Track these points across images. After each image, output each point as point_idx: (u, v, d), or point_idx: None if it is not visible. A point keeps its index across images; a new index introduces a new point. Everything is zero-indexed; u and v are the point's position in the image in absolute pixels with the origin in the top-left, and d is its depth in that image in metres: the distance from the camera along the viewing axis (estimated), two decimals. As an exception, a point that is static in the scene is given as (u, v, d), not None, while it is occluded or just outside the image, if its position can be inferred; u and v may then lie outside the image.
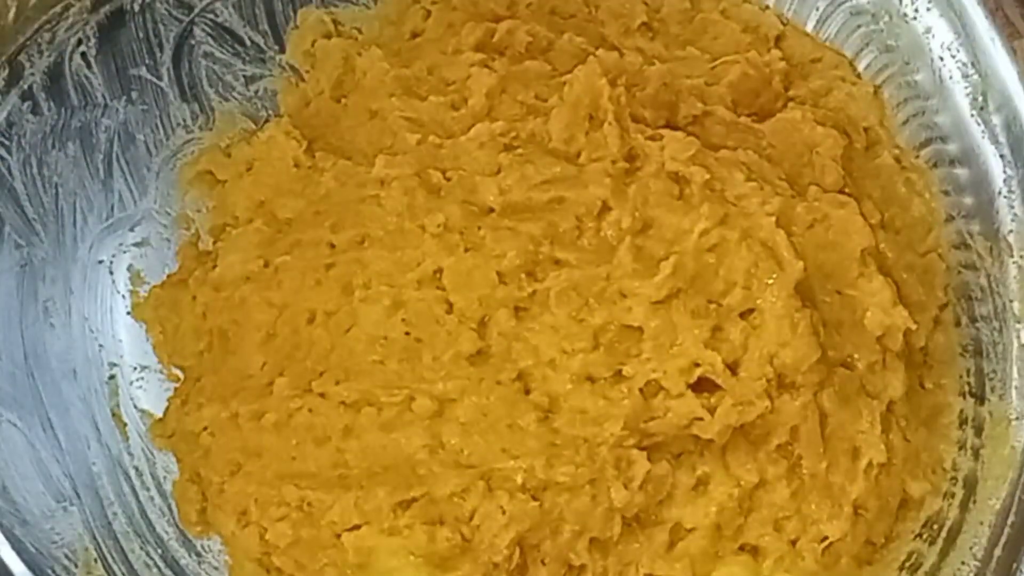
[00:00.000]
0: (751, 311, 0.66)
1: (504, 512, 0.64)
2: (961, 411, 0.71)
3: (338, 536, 0.65)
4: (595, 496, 0.64)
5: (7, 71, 0.71)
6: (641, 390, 0.65)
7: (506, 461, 0.65)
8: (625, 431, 0.64)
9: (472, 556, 0.64)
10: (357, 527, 0.65)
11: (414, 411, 0.66)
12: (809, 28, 0.74)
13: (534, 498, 0.64)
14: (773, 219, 0.68)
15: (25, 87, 0.71)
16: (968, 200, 0.71)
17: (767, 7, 0.74)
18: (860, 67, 0.73)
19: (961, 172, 0.71)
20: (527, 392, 0.66)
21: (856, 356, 0.68)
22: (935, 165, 0.72)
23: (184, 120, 0.76)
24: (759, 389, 0.65)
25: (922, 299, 0.71)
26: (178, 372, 0.75)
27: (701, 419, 0.65)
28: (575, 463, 0.64)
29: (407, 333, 0.67)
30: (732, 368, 0.66)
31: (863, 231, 0.69)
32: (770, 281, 0.66)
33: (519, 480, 0.64)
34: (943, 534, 0.69)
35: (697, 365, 0.65)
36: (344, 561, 0.66)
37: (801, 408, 0.66)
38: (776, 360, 0.66)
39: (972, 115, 0.70)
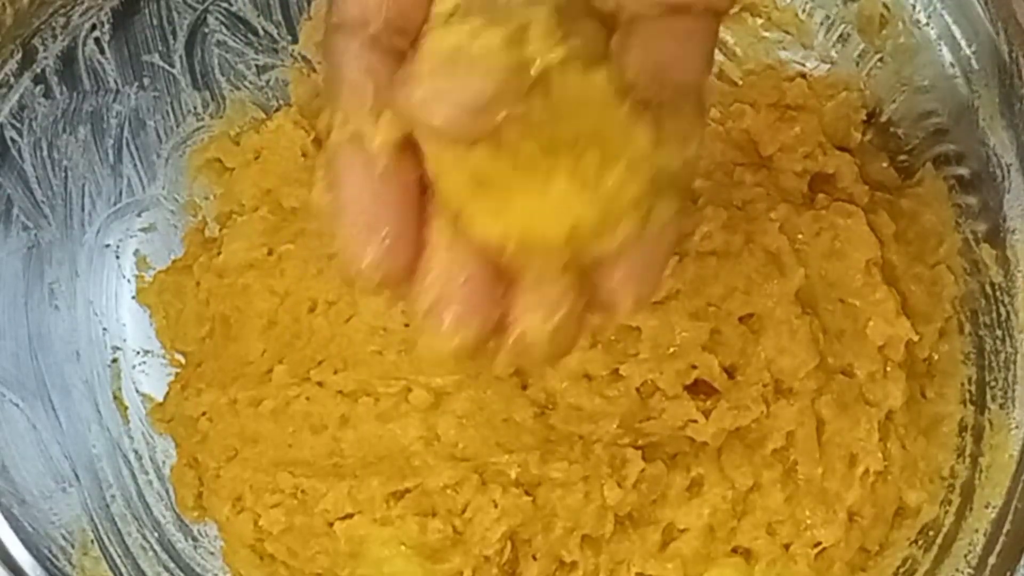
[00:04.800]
0: (750, 316, 0.67)
1: (497, 506, 0.64)
2: (961, 419, 0.70)
3: (330, 525, 0.66)
4: (588, 493, 0.64)
5: (21, 54, 0.71)
6: (638, 390, 0.65)
7: (500, 455, 0.65)
8: (620, 430, 0.65)
9: (463, 549, 0.64)
10: (350, 516, 0.65)
11: (411, 402, 0.66)
12: (816, 33, 0.73)
13: (527, 493, 0.64)
14: (777, 225, 0.68)
15: (38, 71, 0.72)
16: (975, 209, 0.70)
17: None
18: (869, 74, 0.73)
19: (968, 179, 0.70)
20: (524, 387, 0.66)
21: (856, 365, 0.68)
22: (943, 174, 0.71)
23: (195, 107, 0.76)
24: (755, 394, 0.65)
25: (928, 311, 0.71)
26: (180, 357, 0.75)
27: (696, 421, 0.65)
28: (569, 460, 0.64)
29: (406, 325, 0.67)
30: (729, 372, 0.66)
31: (869, 241, 0.69)
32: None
33: (513, 475, 0.64)
34: (938, 540, 0.69)
35: (694, 367, 0.65)
36: (336, 550, 0.66)
37: (798, 414, 0.66)
38: (773, 366, 0.66)
39: (982, 123, 0.69)
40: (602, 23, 0.45)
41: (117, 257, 0.76)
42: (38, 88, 0.72)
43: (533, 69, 0.41)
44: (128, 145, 0.75)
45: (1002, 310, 0.69)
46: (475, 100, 0.40)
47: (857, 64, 0.73)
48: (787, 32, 0.74)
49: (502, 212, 0.43)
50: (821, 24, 0.73)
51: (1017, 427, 0.68)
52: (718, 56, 0.74)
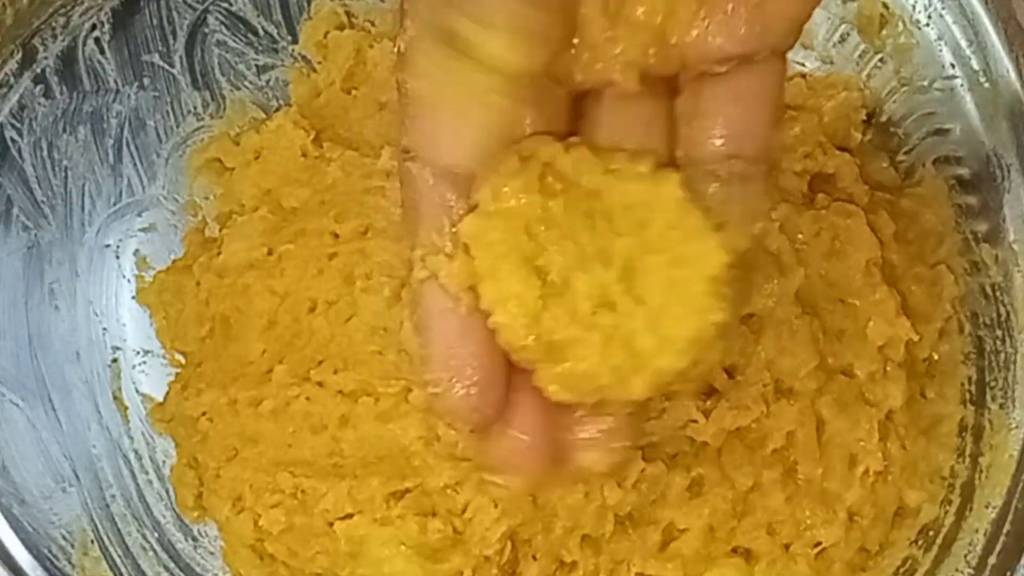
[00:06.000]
0: (750, 316, 0.66)
1: (496, 506, 0.64)
2: (961, 419, 0.70)
3: (330, 524, 0.66)
4: (588, 493, 0.64)
5: (21, 54, 0.71)
6: (638, 390, 0.65)
7: (501, 455, 0.65)
8: (620, 430, 0.64)
9: (463, 549, 0.64)
10: (350, 516, 0.65)
11: (410, 402, 0.66)
12: (816, 33, 0.73)
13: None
14: (777, 225, 0.68)
15: (38, 71, 0.72)
16: (975, 209, 0.70)
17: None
18: (868, 74, 0.73)
19: (968, 179, 0.70)
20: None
21: (856, 365, 0.68)
22: (943, 174, 0.71)
23: (195, 107, 0.76)
24: (755, 394, 0.65)
25: (928, 311, 0.71)
26: (180, 357, 0.75)
27: (696, 421, 0.65)
28: (569, 459, 0.64)
29: (407, 325, 0.68)
30: (729, 372, 0.66)
31: (869, 241, 0.69)
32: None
33: (513, 475, 0.64)
34: (938, 540, 0.69)
35: (694, 367, 0.65)
36: (336, 550, 0.66)
37: (798, 414, 0.66)
38: (774, 366, 0.66)
39: (982, 123, 0.69)
40: (667, 87, 0.44)
41: (117, 257, 0.76)
42: (38, 88, 0.72)
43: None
44: (128, 145, 0.75)
45: (1002, 310, 0.69)
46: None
47: (857, 64, 0.73)
48: (787, 32, 0.74)
49: (576, 377, 0.43)
50: (821, 24, 0.73)
51: (1017, 427, 0.68)
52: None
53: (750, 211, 0.44)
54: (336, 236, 0.70)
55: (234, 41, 0.76)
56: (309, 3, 0.77)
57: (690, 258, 0.43)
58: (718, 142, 0.44)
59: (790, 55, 0.72)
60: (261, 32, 0.76)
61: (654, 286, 0.43)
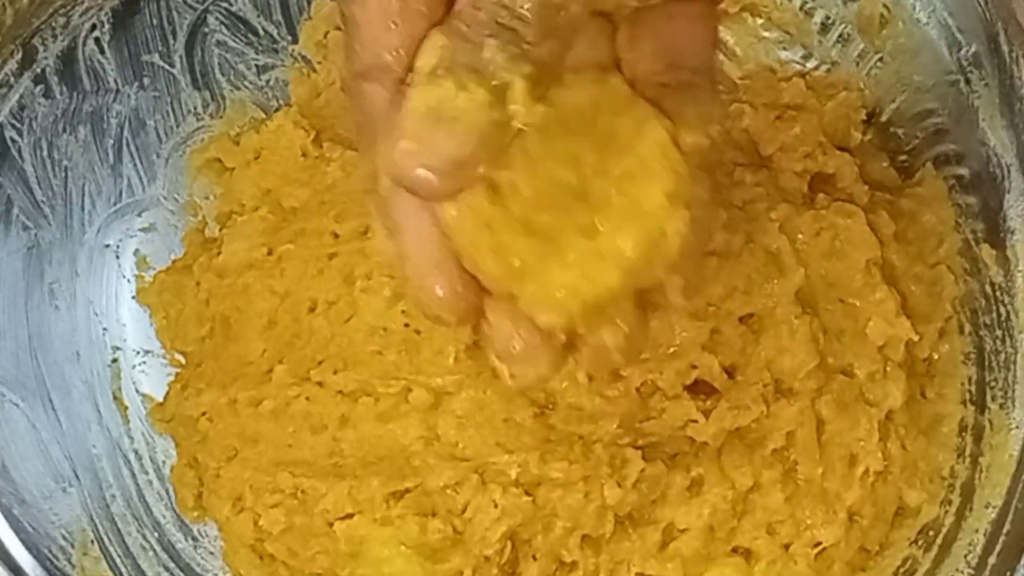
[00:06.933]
0: (750, 316, 0.67)
1: (496, 506, 0.64)
2: (961, 419, 0.70)
3: (330, 525, 0.66)
4: (588, 493, 0.64)
5: (21, 54, 0.71)
6: (638, 390, 0.65)
7: (500, 455, 0.65)
8: (620, 430, 0.65)
9: (463, 549, 0.64)
10: (350, 516, 0.65)
11: (411, 403, 0.66)
12: (816, 33, 0.73)
13: (527, 493, 0.64)
14: (777, 225, 0.68)
15: (38, 71, 0.72)
16: (975, 208, 0.70)
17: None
18: (868, 74, 0.73)
19: (968, 179, 0.70)
20: (524, 387, 0.66)
21: (856, 365, 0.68)
22: (943, 174, 0.71)
23: (195, 107, 0.76)
24: (755, 394, 0.65)
25: (928, 311, 0.71)
26: (180, 357, 0.75)
27: (696, 421, 0.65)
28: (569, 460, 0.64)
29: (406, 325, 0.67)
30: (729, 372, 0.66)
31: (869, 241, 0.69)
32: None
33: (513, 475, 0.64)
34: (938, 540, 0.69)
35: (694, 367, 0.65)
36: (336, 550, 0.66)
37: (798, 414, 0.66)
38: (774, 366, 0.66)
39: (982, 123, 0.69)
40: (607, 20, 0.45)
41: (117, 257, 0.76)
42: (38, 88, 0.72)
43: (514, 125, 0.41)
44: (128, 145, 0.76)
45: (1002, 310, 0.69)
46: (457, 153, 0.41)
47: (857, 64, 0.73)
48: (787, 32, 0.74)
49: (552, 293, 0.44)
50: (821, 24, 0.73)
51: (1017, 427, 0.68)
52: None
53: (702, 113, 0.46)
54: (336, 236, 0.70)
55: (234, 41, 0.76)
56: (309, 3, 0.77)
57: (644, 156, 0.44)
58: (659, 54, 0.46)
59: (790, 55, 0.74)
60: (261, 32, 0.77)
61: (609, 192, 0.44)
